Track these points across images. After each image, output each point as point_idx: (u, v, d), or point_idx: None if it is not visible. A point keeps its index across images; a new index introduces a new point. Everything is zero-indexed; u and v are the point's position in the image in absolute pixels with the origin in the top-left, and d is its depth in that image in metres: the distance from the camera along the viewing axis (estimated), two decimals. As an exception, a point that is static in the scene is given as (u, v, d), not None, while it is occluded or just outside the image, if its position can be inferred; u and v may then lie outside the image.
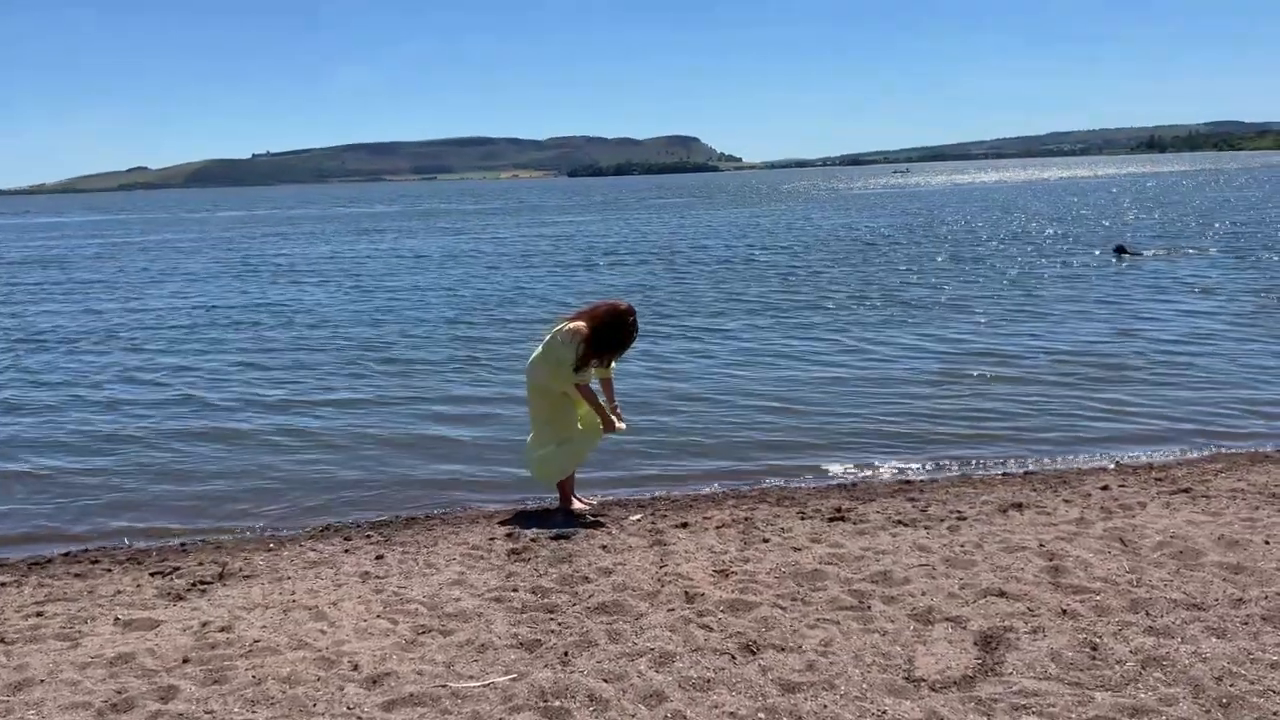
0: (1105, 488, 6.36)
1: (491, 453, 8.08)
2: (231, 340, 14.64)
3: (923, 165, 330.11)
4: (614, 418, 6.36)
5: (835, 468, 7.44)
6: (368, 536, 6.06)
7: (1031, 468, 7.31)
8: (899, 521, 5.72)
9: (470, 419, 9.30)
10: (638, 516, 6.15)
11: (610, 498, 6.85)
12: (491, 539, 5.81)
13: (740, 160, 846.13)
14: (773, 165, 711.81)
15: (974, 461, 7.54)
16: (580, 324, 6.14)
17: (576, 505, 6.52)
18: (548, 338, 6.32)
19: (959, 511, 5.89)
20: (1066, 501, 6.05)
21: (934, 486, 6.75)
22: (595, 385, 6.39)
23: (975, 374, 10.41)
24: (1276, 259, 20.17)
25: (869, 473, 7.37)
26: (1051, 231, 30.36)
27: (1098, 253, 22.84)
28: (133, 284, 24.05)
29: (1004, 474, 7.13)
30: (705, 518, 6.05)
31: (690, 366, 11.44)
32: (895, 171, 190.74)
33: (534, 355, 6.39)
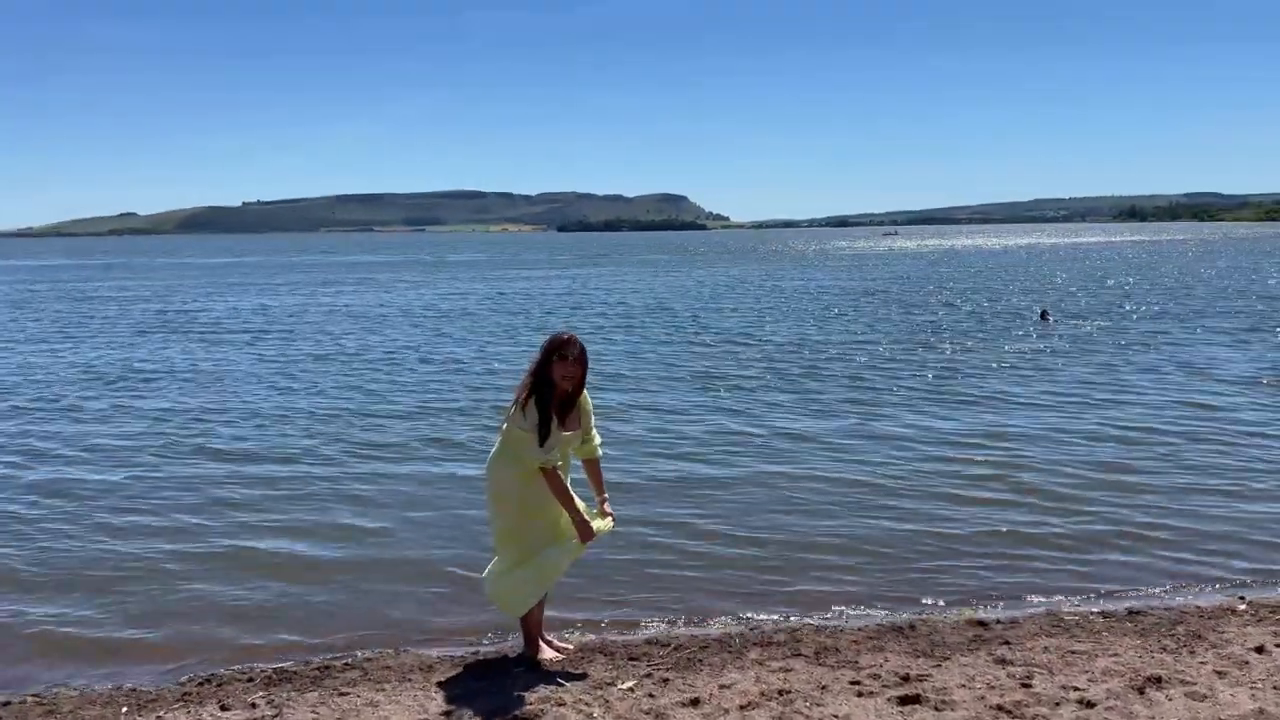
0: (1260, 649, 4.73)
1: (449, 571, 6.36)
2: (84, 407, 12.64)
3: (910, 228, 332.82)
4: (592, 518, 4.74)
5: (876, 607, 5.77)
6: (252, 706, 4.36)
7: (1133, 604, 5.68)
8: (1000, 708, 4.07)
9: (422, 523, 7.45)
10: (629, 684, 4.47)
11: (591, 639, 5.20)
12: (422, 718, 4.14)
13: (728, 219, 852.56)
14: (760, 225, 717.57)
15: (1054, 594, 5.91)
16: (524, 386, 4.69)
17: (545, 654, 4.87)
18: (504, 426, 4.79)
19: (1077, 687, 4.26)
20: (1219, 674, 4.42)
21: (1020, 634, 5.10)
22: (576, 473, 4.83)
23: (986, 463, 8.84)
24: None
25: (922, 604, 5.74)
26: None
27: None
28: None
29: (1102, 613, 5.50)
30: (723, 686, 4.40)
31: (682, 450, 9.79)
32: (885, 234, 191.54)
33: (492, 452, 4.84)
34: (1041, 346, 17.30)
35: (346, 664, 4.92)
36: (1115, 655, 4.71)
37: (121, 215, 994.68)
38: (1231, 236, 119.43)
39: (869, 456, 9.14)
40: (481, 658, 4.96)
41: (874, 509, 7.51)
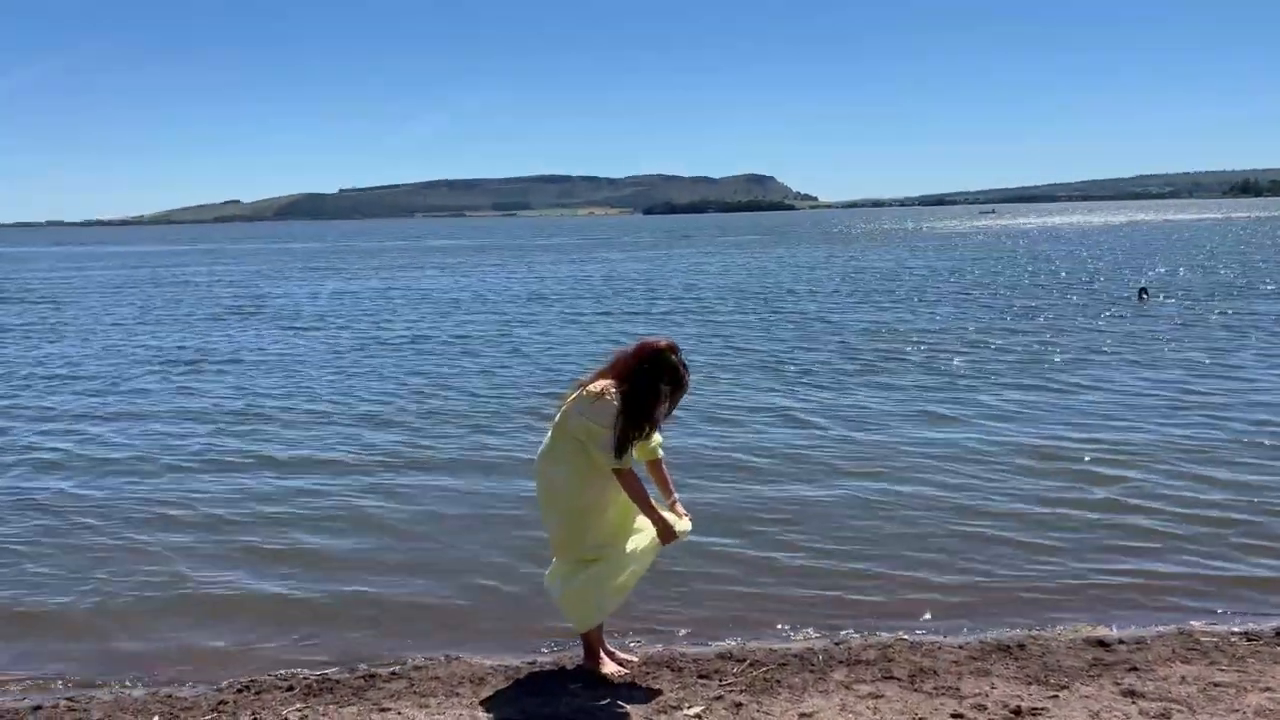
0: None
1: (507, 572, 5.92)
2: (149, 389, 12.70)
3: (1007, 206, 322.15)
4: (674, 517, 4.31)
5: (977, 621, 5.15)
6: (285, 720, 4.02)
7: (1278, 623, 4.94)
8: (1135, 755, 3.45)
9: (483, 519, 6.99)
10: (697, 710, 3.98)
11: (658, 650, 4.73)
12: (468, 742, 3.73)
13: (816, 199, 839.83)
14: (849, 205, 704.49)
15: (1184, 611, 5.19)
16: (605, 383, 4.14)
17: (607, 667, 4.42)
18: (558, 417, 4.29)
19: (1228, 734, 3.61)
20: None
21: (1149, 659, 4.44)
22: (639, 469, 4.32)
23: (1091, 461, 7.99)
24: None
25: (1030, 618, 5.10)
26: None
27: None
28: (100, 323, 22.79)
29: (1245, 634, 4.78)
30: (803, 716, 3.87)
31: (756, 445, 9.17)
32: (982, 212, 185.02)
33: (543, 446, 4.36)
34: (1142, 328, 16.05)
35: (393, 673, 4.54)
36: (1269, 690, 4.02)
37: (225, 203, 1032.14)
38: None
39: (956, 454, 8.28)
40: (538, 668, 4.54)
41: (966, 512, 6.75)
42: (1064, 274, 28.52)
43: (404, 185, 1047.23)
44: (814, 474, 7.88)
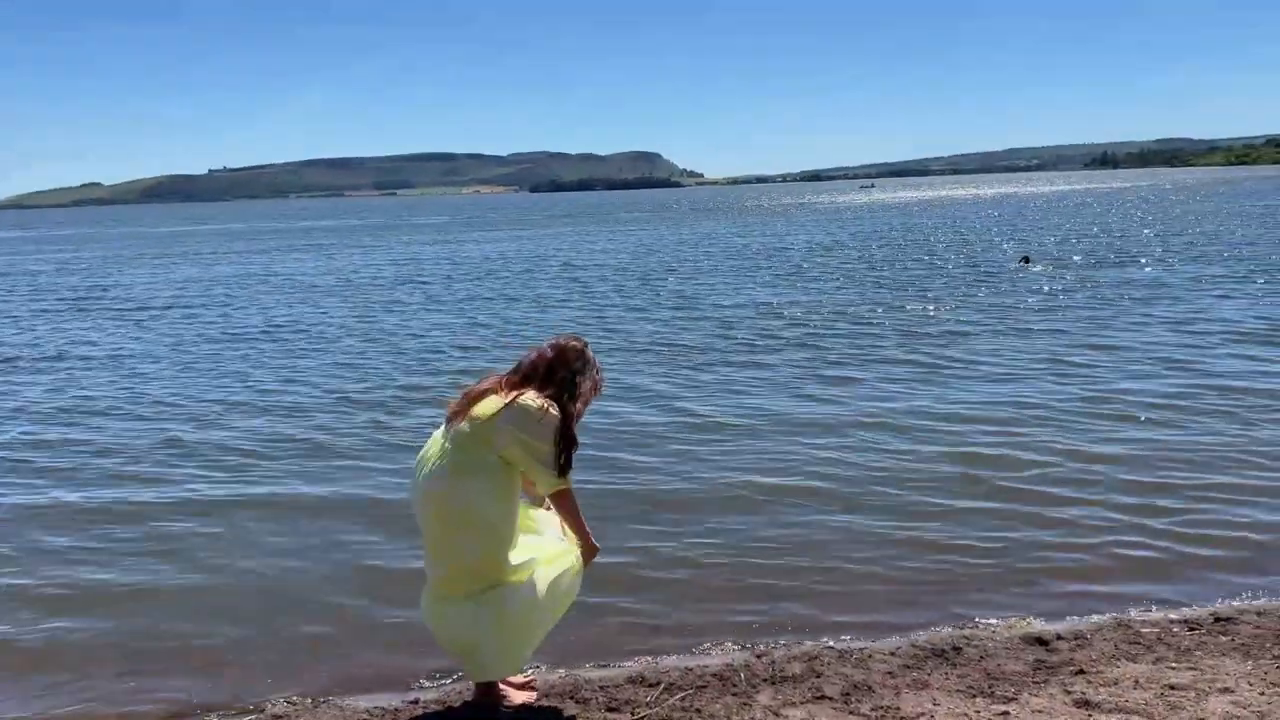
0: None
1: (369, 601, 5.14)
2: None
3: (885, 181, 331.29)
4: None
5: (905, 620, 4.77)
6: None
7: (1217, 609, 4.66)
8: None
9: (329, 541, 6.02)
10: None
11: (560, 677, 4.14)
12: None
13: (702, 176, 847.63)
14: (734, 181, 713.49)
15: (1115, 600, 4.91)
16: (533, 393, 3.58)
17: (517, 697, 3.85)
18: (463, 427, 3.58)
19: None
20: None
21: (1093, 657, 4.08)
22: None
23: (988, 441, 7.81)
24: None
25: (956, 614, 4.73)
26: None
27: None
28: None
29: (1185, 622, 4.48)
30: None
31: (636, 437, 8.68)
32: (862, 187, 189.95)
33: (438, 461, 3.59)
34: (1029, 299, 16.26)
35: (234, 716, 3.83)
36: (1227, 689, 3.69)
37: (85, 185, 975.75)
38: (1204, 181, 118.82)
39: (851, 440, 7.78)
40: (423, 710, 3.90)
41: (871, 504, 6.26)
42: (942, 246, 28.96)
43: (279, 165, 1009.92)
44: (700, 468, 7.20)
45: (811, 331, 13.40)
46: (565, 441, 3.55)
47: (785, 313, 15.37)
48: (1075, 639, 4.33)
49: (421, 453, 3.70)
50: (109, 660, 4.55)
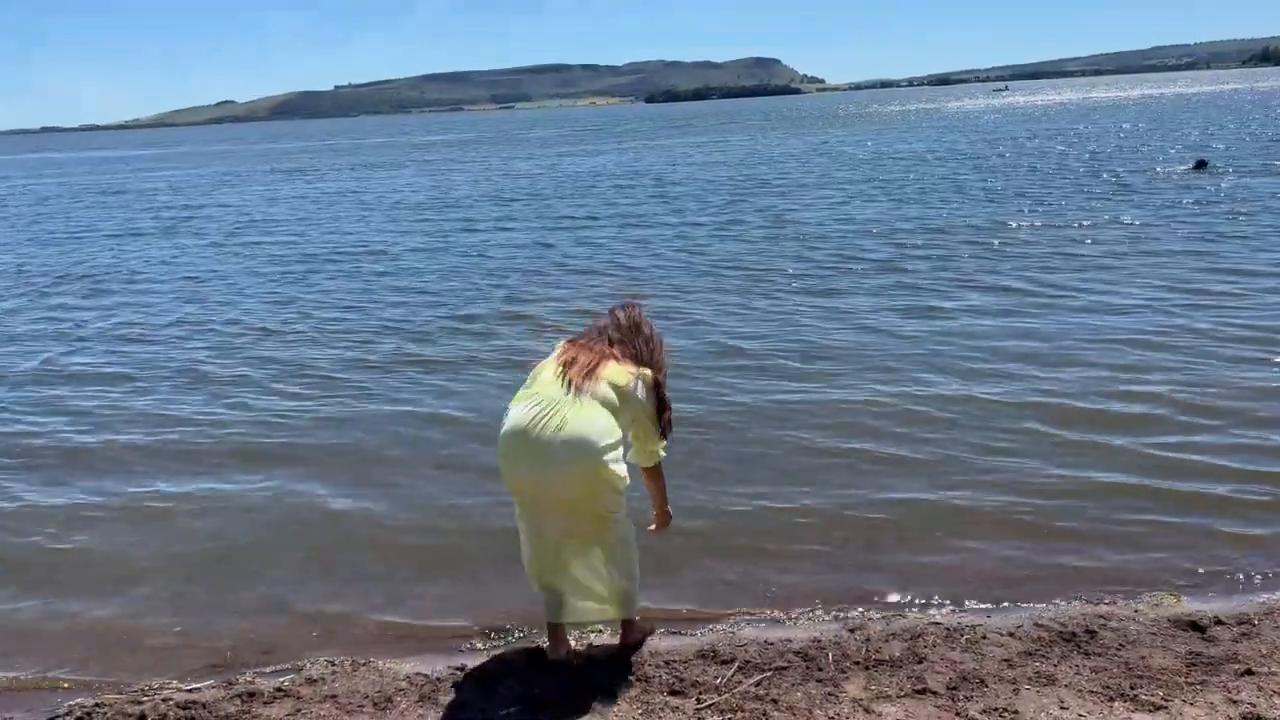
0: None
1: (413, 547, 4.77)
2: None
3: (1019, 84, 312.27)
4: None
5: (1020, 591, 4.11)
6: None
7: None
8: None
9: (370, 491, 5.51)
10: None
11: (618, 644, 3.67)
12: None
13: (823, 82, 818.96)
14: (857, 86, 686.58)
15: (1258, 576, 4.11)
16: (638, 369, 3.49)
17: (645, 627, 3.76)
18: (598, 393, 3.34)
19: None
20: None
21: (1260, 647, 3.37)
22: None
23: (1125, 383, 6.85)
24: None
25: (1073, 585, 4.05)
26: None
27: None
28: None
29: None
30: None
31: (725, 365, 8.03)
32: (994, 90, 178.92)
33: (570, 425, 3.24)
34: (1200, 207, 14.66)
35: (279, 689, 3.51)
36: None
37: (220, 104, 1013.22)
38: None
39: (941, 388, 6.99)
40: (468, 674, 3.50)
41: (982, 462, 5.53)
42: (1109, 150, 26.56)
43: (400, 80, 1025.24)
44: (795, 413, 6.45)
45: (942, 253, 12.37)
46: (662, 406, 3.55)
47: (907, 235, 14.31)
48: (1238, 624, 3.60)
49: (528, 416, 3.29)
50: (161, 602, 4.33)
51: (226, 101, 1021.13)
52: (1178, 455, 5.35)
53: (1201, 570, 4.16)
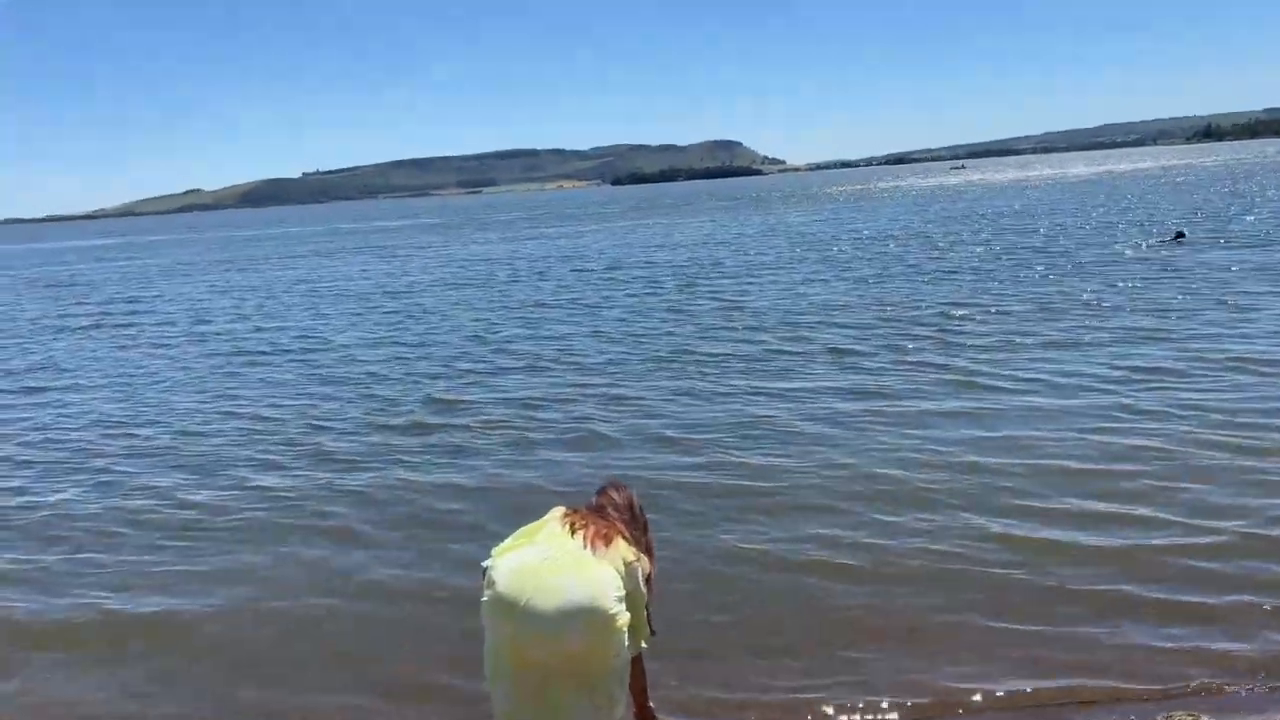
0: None
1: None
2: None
3: (973, 162, 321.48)
4: None
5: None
6: None
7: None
8: None
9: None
10: None
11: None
12: None
13: (784, 163, 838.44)
14: (817, 167, 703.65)
15: None
16: (637, 554, 3.24)
17: None
18: (607, 566, 3.05)
19: None
20: None
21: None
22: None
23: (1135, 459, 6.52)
24: None
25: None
26: None
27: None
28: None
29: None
30: None
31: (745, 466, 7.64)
32: (952, 168, 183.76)
33: (567, 580, 2.96)
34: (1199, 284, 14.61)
35: None
36: None
37: (188, 193, 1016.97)
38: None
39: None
40: None
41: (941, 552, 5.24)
42: (1086, 226, 26.69)
43: (368, 166, 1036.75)
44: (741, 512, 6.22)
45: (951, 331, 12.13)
46: (649, 600, 3.31)
47: (948, 311, 14.11)
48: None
49: (538, 560, 3.02)
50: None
51: (195, 190, 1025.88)
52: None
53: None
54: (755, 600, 4.80)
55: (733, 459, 7.03)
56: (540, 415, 8.69)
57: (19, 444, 9.09)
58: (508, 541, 3.12)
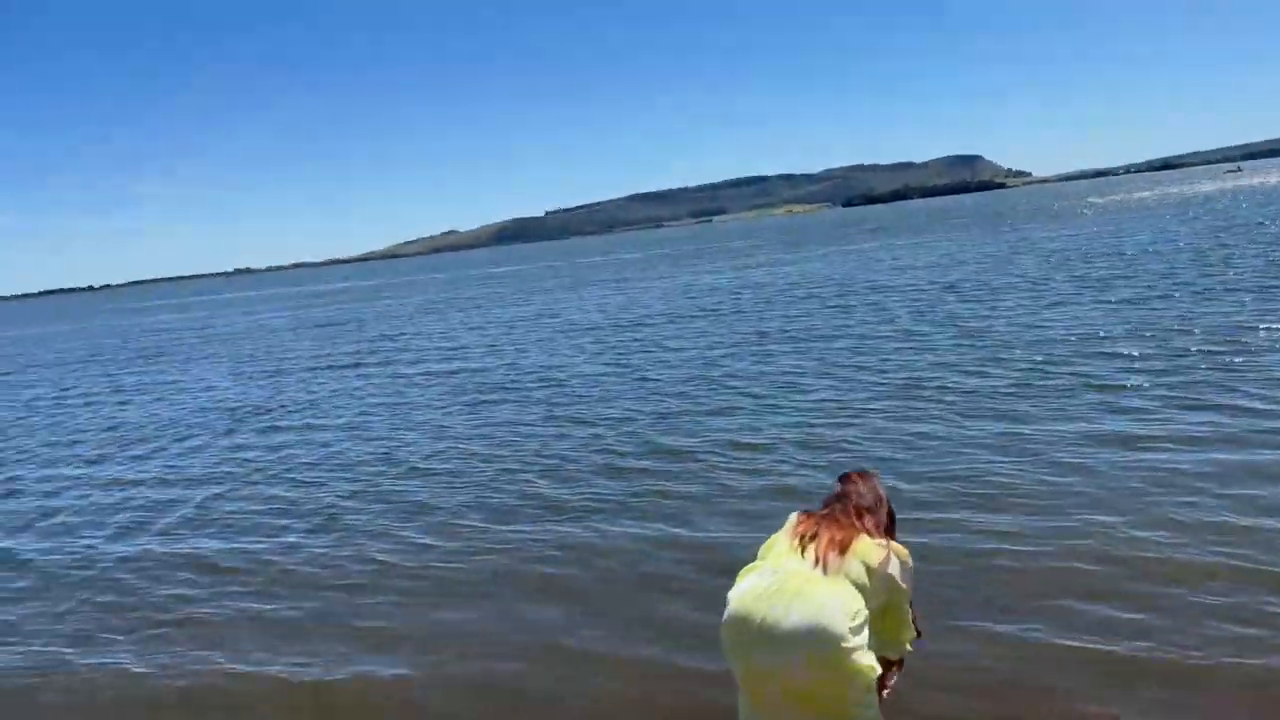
0: None
1: None
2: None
3: (1255, 164, 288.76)
4: None
5: None
6: None
7: None
8: None
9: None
10: None
11: None
12: None
13: (1030, 175, 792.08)
14: (1067, 178, 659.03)
15: None
16: (888, 544, 3.06)
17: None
18: (850, 573, 2.88)
19: None
20: None
21: None
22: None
23: None
24: None
25: None
26: None
27: None
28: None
29: None
30: None
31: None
32: (1226, 172, 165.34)
33: (787, 613, 2.70)
34: None
35: None
36: None
37: (444, 234, 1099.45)
38: None
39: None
40: None
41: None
42: None
43: (607, 201, 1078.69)
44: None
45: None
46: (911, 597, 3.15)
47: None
48: None
49: (761, 590, 2.81)
50: None
51: (450, 231, 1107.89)
52: None
53: None
54: None
55: (973, 522, 6.29)
56: (766, 460, 8.28)
57: (270, 477, 9.74)
58: (747, 566, 3.01)
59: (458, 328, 26.48)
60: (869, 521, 3.10)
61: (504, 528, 7.28)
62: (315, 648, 5.45)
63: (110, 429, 14.38)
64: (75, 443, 13.51)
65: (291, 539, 7.59)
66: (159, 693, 5.10)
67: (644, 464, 8.61)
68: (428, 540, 7.18)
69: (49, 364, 29.51)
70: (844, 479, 3.35)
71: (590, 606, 5.62)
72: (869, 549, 2.94)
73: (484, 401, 13.17)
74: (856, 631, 2.69)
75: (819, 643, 2.63)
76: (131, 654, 5.65)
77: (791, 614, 2.66)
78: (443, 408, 13.03)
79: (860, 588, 2.81)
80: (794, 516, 3.16)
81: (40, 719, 5.04)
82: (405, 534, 7.40)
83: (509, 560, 6.55)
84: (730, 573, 3.06)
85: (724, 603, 2.83)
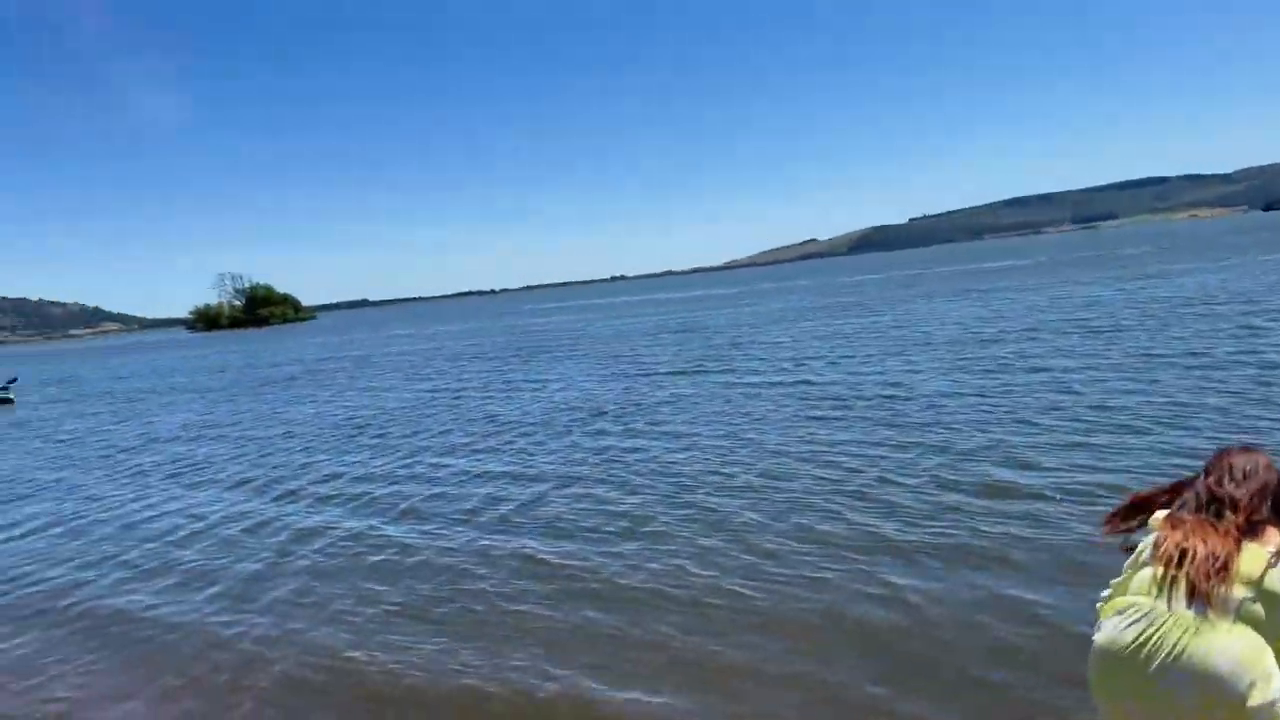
0: None
1: None
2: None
3: None
4: None
5: None
6: None
7: None
8: None
9: None
10: None
11: None
12: None
13: None
14: None
15: None
16: (1270, 554, 2.35)
17: None
18: (1187, 615, 2.26)
19: None
20: None
21: None
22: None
23: None
24: None
25: None
26: None
27: None
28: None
29: None
30: None
31: None
32: None
33: (1162, 664, 2.20)
34: None
35: None
36: None
37: (805, 242, 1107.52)
38: None
39: None
40: None
41: None
42: None
43: (974, 207, 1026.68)
44: None
45: None
46: None
47: None
48: None
49: (1129, 640, 2.30)
50: None
51: (810, 240, 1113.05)
52: None
53: None
54: None
55: None
56: (1111, 492, 7.12)
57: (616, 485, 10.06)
58: (1112, 590, 2.52)
59: (807, 337, 26.22)
60: (1258, 516, 2.38)
61: (821, 559, 6.85)
62: (595, 660, 5.43)
63: (489, 419, 15.85)
64: (446, 431, 15.03)
65: (616, 548, 7.71)
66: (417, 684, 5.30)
67: (983, 503, 7.74)
68: (723, 562, 6.94)
69: (452, 357, 33.50)
70: (1219, 456, 2.58)
71: (906, 665, 5.05)
72: (1254, 559, 2.24)
73: (817, 417, 12.75)
74: (1259, 683, 2.07)
75: (1209, 702, 2.09)
76: (441, 644, 5.96)
77: (1170, 676, 2.13)
78: (780, 422, 12.79)
79: (1255, 623, 2.16)
80: (1157, 521, 2.51)
81: (364, 701, 5.43)
82: (711, 549, 7.22)
83: (821, 597, 6.12)
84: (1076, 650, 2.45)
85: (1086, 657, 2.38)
